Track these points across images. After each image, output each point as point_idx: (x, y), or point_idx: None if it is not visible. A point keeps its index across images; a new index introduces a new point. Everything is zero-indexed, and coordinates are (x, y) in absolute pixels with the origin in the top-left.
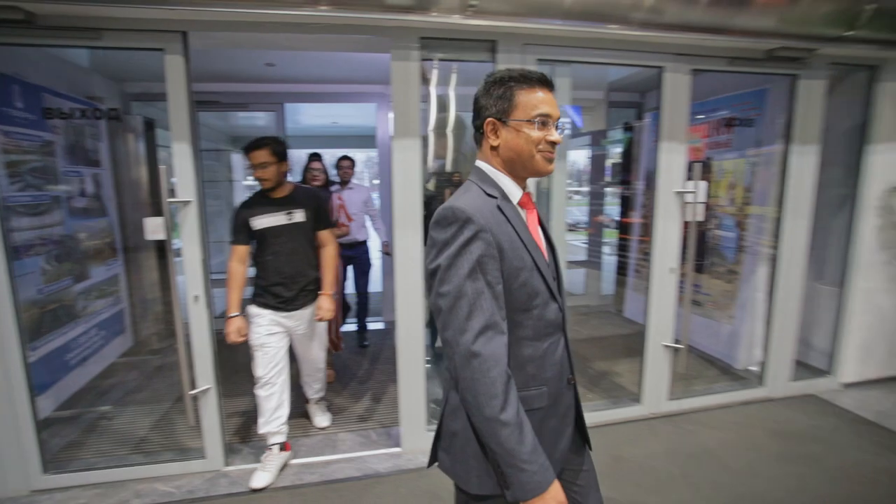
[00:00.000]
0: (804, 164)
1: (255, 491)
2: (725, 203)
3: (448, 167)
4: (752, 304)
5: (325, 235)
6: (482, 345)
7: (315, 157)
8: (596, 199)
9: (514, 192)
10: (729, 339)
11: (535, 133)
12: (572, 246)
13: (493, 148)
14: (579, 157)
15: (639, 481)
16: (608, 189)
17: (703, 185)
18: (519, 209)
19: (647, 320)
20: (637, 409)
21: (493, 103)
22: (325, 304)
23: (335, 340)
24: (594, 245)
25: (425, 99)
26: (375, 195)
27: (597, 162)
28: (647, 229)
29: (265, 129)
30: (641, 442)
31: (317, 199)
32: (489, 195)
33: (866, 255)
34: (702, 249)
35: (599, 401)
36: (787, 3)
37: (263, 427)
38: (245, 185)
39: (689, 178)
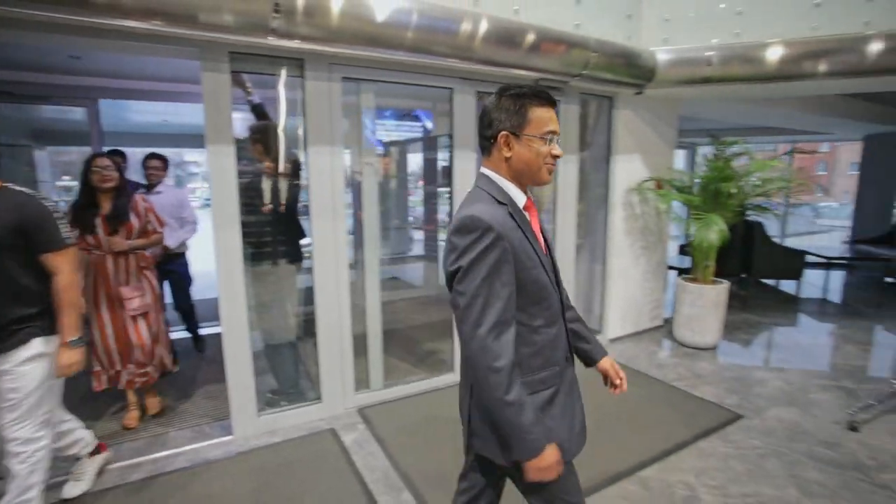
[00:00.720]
0: (568, 171)
1: (66, 501)
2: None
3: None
4: None
5: (53, 260)
6: (494, 338)
7: (153, 156)
8: (431, 199)
9: (520, 197)
10: None
11: (544, 147)
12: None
13: (506, 159)
14: (416, 160)
15: (448, 428)
16: (440, 190)
17: None
18: (524, 213)
19: None
20: (451, 377)
21: (507, 117)
22: (64, 358)
23: (165, 363)
24: (430, 240)
25: (246, 104)
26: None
27: (430, 165)
28: None
29: (78, 125)
30: (453, 401)
31: (20, 210)
32: (500, 202)
33: (618, 239)
34: None
35: (423, 374)
36: (554, 49)
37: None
38: (60, 185)
39: None
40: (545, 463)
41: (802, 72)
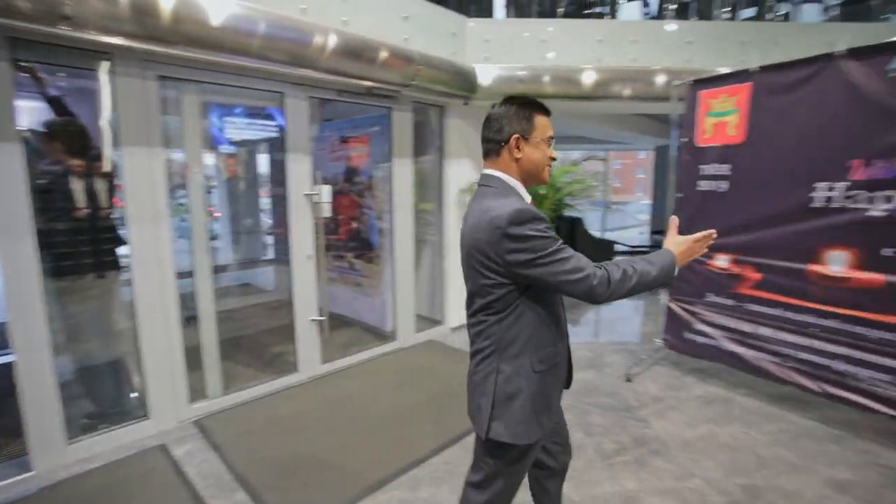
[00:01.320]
0: (403, 174)
1: None
2: (375, 202)
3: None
4: (391, 280)
5: None
6: (600, 277)
7: None
8: (282, 202)
9: (526, 196)
10: (380, 309)
11: (547, 150)
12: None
13: (517, 160)
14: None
15: (289, 427)
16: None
17: (326, 188)
18: None
19: (294, 300)
20: (296, 377)
21: (517, 123)
22: None
23: None
24: (282, 244)
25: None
26: None
27: (280, 166)
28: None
29: None
30: (297, 400)
31: None
32: (521, 199)
33: (452, 237)
34: (362, 239)
35: (268, 377)
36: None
37: None
38: None
39: (315, 183)
40: (683, 253)
41: (601, 94)
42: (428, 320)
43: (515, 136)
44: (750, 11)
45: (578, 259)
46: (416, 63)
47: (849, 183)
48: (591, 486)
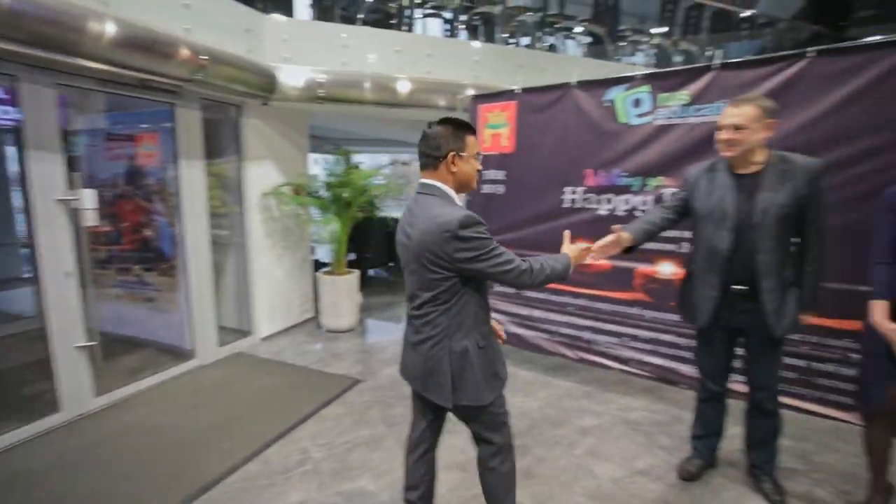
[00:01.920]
0: (193, 177)
1: None
2: (167, 208)
3: None
4: (185, 292)
5: None
6: (526, 268)
7: None
8: None
9: (459, 201)
10: (178, 325)
11: (476, 163)
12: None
13: (453, 173)
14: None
15: (37, 482)
16: None
17: (89, 192)
18: None
19: (49, 326)
20: (58, 417)
21: (452, 142)
22: None
23: None
24: None
25: None
26: None
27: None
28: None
29: None
30: (54, 446)
31: None
32: (461, 206)
33: (259, 241)
34: (152, 249)
35: (11, 424)
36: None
37: None
38: None
39: (73, 186)
40: (575, 257)
41: (388, 100)
42: (235, 332)
43: (452, 153)
44: (526, 40)
45: (509, 255)
46: (201, 56)
47: (584, 188)
48: (391, 473)
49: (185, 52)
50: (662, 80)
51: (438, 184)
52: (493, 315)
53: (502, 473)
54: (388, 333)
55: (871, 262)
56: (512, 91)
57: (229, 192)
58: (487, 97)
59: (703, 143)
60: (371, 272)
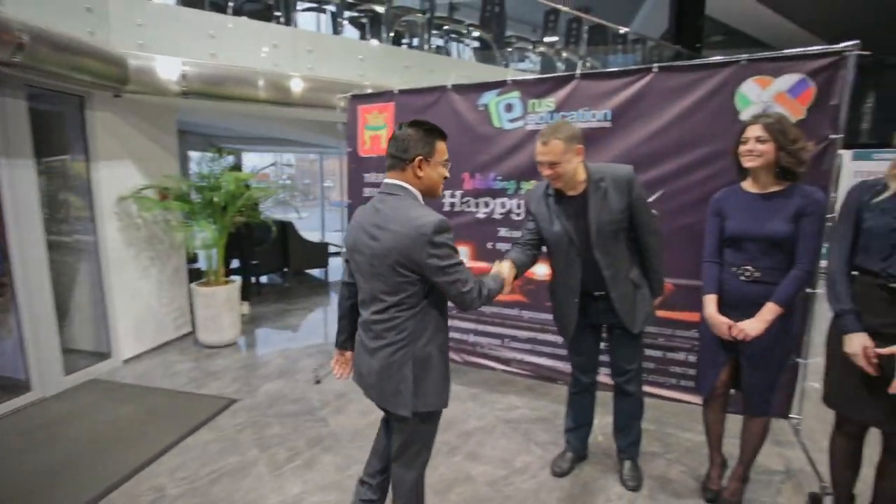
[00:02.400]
0: (22, 178)
1: None
2: None
3: None
4: (18, 312)
5: None
6: (476, 288)
7: None
8: None
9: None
10: (10, 352)
11: (443, 170)
12: None
13: (419, 177)
14: None
15: None
16: None
17: None
18: None
19: None
20: None
21: (421, 146)
22: None
23: None
24: None
25: None
26: None
27: None
28: None
29: None
30: None
31: None
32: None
33: (117, 252)
34: None
35: None
36: None
37: None
38: None
39: None
40: (506, 279)
41: (258, 97)
42: (91, 355)
43: (419, 157)
44: (416, 41)
45: (468, 273)
46: (18, 35)
47: (462, 191)
48: (260, 503)
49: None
50: (531, 87)
51: (405, 184)
52: None
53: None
54: (276, 345)
55: (702, 260)
56: (390, 92)
57: (80, 196)
58: (366, 97)
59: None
60: (263, 279)
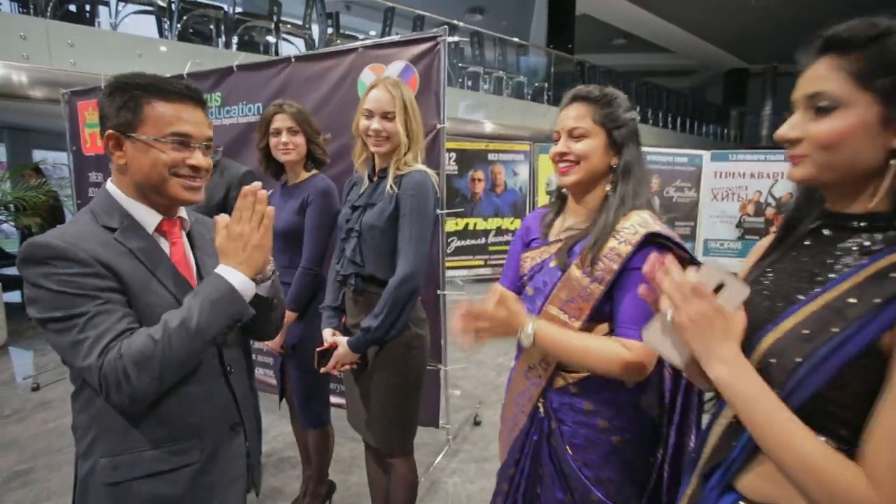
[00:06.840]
0: None
1: None
2: None
3: None
4: None
5: None
6: (115, 355)
7: None
8: None
9: (149, 219)
10: None
11: (169, 154)
12: None
13: (120, 167)
14: None
15: None
16: None
17: None
18: (159, 238)
19: None
20: None
21: (114, 113)
22: None
23: None
24: None
25: None
26: None
27: None
28: None
29: None
30: None
31: None
32: (105, 227)
33: None
34: None
35: None
36: None
37: None
38: None
39: None
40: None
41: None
42: None
43: (109, 132)
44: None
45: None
46: None
47: None
48: None
49: None
50: (202, 81)
51: (111, 187)
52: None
53: None
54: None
55: None
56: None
57: None
58: (86, 93)
59: (238, 144)
60: None
